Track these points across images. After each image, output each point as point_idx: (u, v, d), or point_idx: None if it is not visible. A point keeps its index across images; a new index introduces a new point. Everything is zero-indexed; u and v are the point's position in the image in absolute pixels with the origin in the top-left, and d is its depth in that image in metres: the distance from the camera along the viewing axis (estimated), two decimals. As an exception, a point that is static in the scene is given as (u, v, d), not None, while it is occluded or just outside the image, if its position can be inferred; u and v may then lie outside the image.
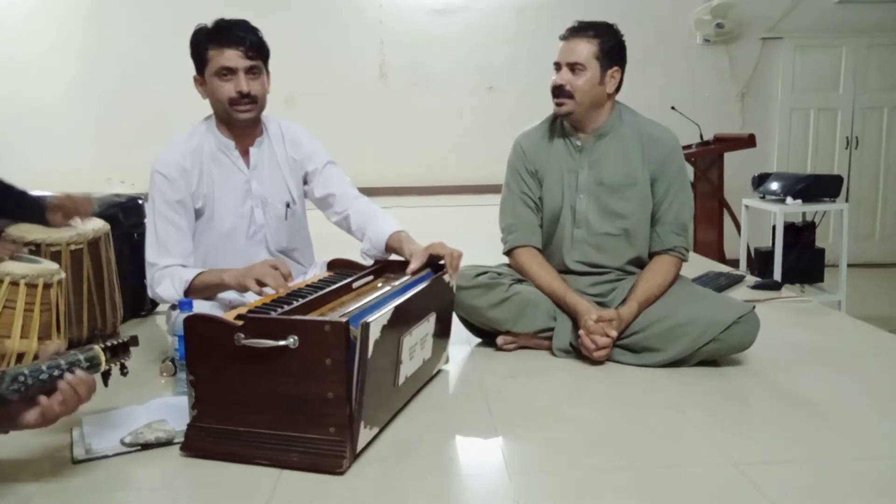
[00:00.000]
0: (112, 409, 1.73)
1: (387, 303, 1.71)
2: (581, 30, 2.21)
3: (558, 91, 2.21)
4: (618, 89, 2.26)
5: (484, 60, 5.61)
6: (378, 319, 1.50)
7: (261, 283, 1.87)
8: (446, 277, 2.00)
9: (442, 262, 2.00)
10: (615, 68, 2.22)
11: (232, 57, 2.06)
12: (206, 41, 2.08)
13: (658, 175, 2.24)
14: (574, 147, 2.28)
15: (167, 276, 2.05)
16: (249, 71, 2.08)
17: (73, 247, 2.23)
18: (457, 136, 5.60)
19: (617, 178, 2.24)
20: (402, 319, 1.67)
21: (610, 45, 2.20)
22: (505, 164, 2.40)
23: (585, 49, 2.18)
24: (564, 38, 2.24)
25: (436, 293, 1.93)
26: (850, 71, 5.77)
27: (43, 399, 1.34)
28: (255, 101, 2.11)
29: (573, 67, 2.19)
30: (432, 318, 1.89)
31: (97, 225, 2.37)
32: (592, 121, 2.26)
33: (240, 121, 2.13)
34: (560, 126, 2.31)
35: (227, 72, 2.07)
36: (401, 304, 1.64)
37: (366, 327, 1.45)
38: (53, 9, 5.42)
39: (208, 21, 2.11)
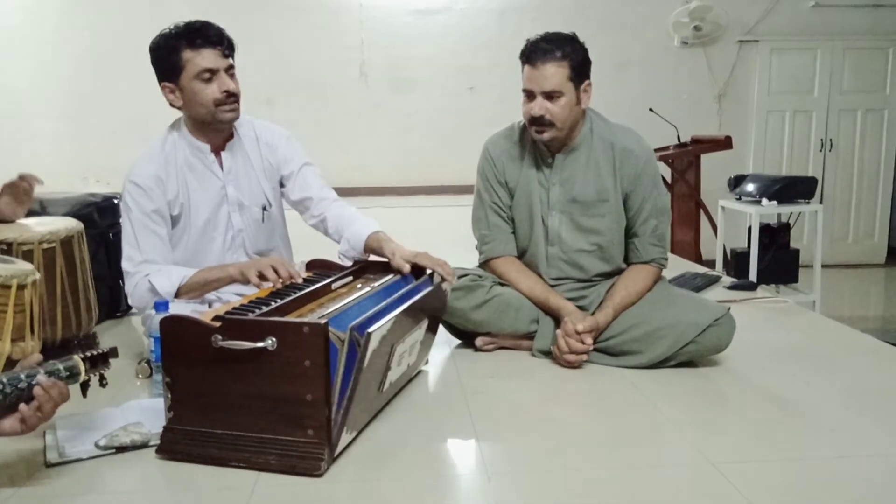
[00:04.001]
0: (86, 412, 1.70)
1: (368, 304, 1.70)
2: (548, 52, 2.07)
3: (538, 121, 2.10)
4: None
5: (465, 61, 5.60)
6: (379, 329, 1.49)
7: (262, 277, 1.88)
8: (445, 285, 1.99)
9: (430, 272, 1.99)
10: (587, 82, 2.13)
11: (211, 57, 2.02)
12: (179, 45, 2.01)
13: (632, 190, 2.19)
14: (545, 163, 2.24)
15: (162, 273, 2.04)
16: (227, 70, 2.06)
17: (45, 245, 2.19)
18: (437, 136, 5.60)
19: (588, 194, 2.20)
20: (400, 327, 1.66)
21: (579, 61, 2.09)
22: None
23: (558, 74, 2.06)
24: (531, 63, 2.09)
25: (432, 301, 1.92)
26: (824, 74, 5.85)
27: (22, 406, 1.34)
28: (238, 100, 2.09)
29: (549, 95, 2.08)
30: (424, 324, 1.88)
31: (70, 224, 2.33)
32: (567, 139, 2.19)
33: (226, 121, 2.10)
34: (531, 138, 2.21)
35: (209, 73, 2.02)
36: (401, 312, 1.63)
37: (368, 337, 1.44)
38: (29, 7, 5.33)
39: (183, 22, 2.04)
